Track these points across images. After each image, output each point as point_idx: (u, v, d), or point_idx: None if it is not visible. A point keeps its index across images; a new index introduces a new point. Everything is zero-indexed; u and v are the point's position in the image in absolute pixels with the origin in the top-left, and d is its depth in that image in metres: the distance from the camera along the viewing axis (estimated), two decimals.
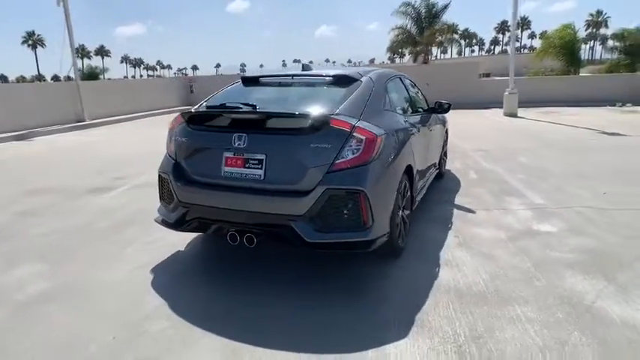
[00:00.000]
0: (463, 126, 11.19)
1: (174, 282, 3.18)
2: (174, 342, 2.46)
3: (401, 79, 4.52)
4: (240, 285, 3.11)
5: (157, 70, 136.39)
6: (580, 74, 24.61)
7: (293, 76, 3.63)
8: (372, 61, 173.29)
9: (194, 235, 3.91)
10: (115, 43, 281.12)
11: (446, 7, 30.32)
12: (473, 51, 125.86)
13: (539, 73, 25.14)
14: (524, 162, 7.04)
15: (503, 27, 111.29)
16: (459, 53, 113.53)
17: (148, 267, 3.39)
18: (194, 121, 3.23)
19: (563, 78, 20.95)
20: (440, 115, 5.44)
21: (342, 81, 3.43)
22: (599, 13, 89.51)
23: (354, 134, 2.81)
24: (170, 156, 3.33)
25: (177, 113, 3.38)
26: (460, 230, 4.06)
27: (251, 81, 3.81)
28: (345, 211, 2.79)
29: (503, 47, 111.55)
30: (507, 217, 4.44)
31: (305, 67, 3.81)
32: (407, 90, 4.58)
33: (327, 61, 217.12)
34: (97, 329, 2.59)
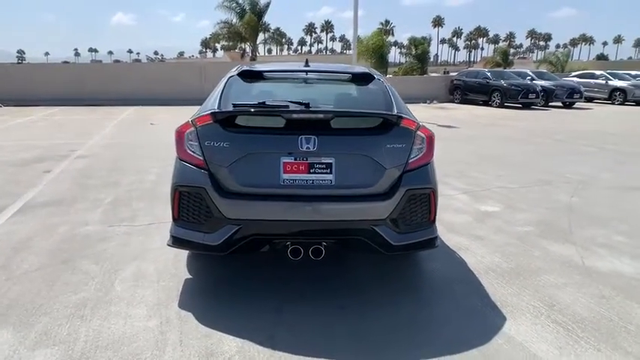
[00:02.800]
0: None
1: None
2: None
3: None
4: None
5: None
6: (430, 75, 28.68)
7: (307, 72, 3.37)
8: (181, 54, 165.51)
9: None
10: None
11: (268, 5, 31.40)
12: (282, 50, 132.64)
13: None
14: None
15: (310, 29, 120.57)
16: (269, 52, 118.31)
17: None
18: (229, 123, 2.72)
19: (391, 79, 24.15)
20: None
21: (365, 78, 3.36)
22: (387, 22, 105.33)
23: (418, 133, 2.84)
24: (195, 165, 2.72)
25: (204, 114, 2.79)
26: None
27: (256, 76, 3.36)
28: (419, 211, 2.82)
29: (310, 47, 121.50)
30: (453, 201, 5.07)
31: (307, 63, 3.57)
32: None
33: (131, 51, 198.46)
34: None
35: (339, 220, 2.70)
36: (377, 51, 28.93)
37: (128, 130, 10.72)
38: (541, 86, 18.15)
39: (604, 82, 20.93)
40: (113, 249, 3.60)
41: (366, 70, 3.49)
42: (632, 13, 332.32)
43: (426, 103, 19.99)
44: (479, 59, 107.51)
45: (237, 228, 2.65)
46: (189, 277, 3.13)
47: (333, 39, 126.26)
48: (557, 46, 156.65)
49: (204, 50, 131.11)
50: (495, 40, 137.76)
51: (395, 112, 2.91)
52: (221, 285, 3.06)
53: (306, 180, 2.67)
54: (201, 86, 19.22)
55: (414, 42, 34.54)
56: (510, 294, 2.94)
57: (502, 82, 18.13)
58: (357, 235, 2.73)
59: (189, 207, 2.74)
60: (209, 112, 2.77)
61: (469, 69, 27.15)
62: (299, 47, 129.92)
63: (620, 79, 20.65)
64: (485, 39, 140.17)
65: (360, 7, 15.21)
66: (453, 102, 20.11)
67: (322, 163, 2.67)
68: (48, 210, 4.56)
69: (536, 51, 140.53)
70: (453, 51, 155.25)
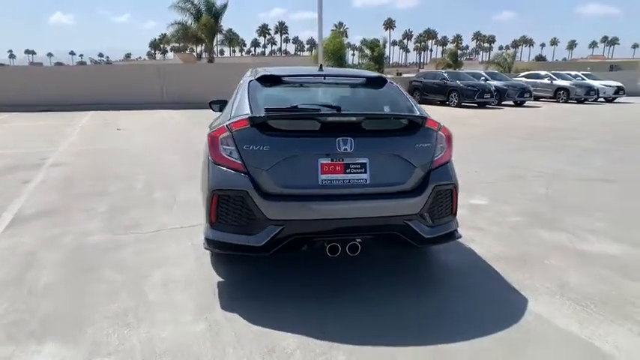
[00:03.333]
0: None
1: None
2: None
3: None
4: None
5: None
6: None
7: (325, 76, 3.49)
8: (128, 56, 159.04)
9: None
10: None
11: (225, 7, 30.98)
12: (234, 51, 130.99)
13: None
14: None
15: (263, 30, 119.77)
16: (221, 53, 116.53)
17: None
18: (266, 127, 2.79)
19: None
20: None
21: (380, 82, 3.55)
22: (341, 24, 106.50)
23: (440, 133, 3.05)
24: (234, 169, 2.77)
25: (240, 118, 2.85)
26: None
27: (275, 81, 3.42)
28: (444, 206, 3.03)
29: (263, 49, 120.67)
30: None
31: (321, 68, 3.72)
32: None
33: (73, 53, 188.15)
34: None
35: (375, 217, 2.85)
36: (336, 53, 29.42)
37: (95, 137, 10.31)
38: (494, 86, 19.20)
39: (549, 81, 22.47)
40: (131, 257, 3.55)
41: (379, 75, 3.67)
42: (565, 16, 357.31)
43: None
44: (429, 61, 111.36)
45: (280, 229, 2.73)
46: (221, 279, 3.17)
47: (286, 40, 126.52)
48: (500, 48, 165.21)
49: (153, 52, 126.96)
50: (444, 42, 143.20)
51: (417, 113, 3.11)
52: (253, 284, 3.12)
53: (343, 180, 2.80)
54: (162, 89, 18.73)
55: (370, 44, 35.40)
56: (524, 278, 3.22)
57: (459, 82, 19.00)
58: (392, 230, 2.90)
59: (229, 210, 2.79)
60: (245, 116, 2.83)
61: (428, 70, 28.19)
62: (252, 49, 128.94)
63: (562, 79, 22.28)
64: (433, 41, 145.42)
65: (311, 9, 15.55)
66: None
67: (357, 163, 2.82)
68: (43, 221, 4.38)
69: (481, 52, 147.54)
70: (404, 53, 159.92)
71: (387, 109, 3.27)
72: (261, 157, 2.74)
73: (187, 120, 13.57)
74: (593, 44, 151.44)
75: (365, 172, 2.83)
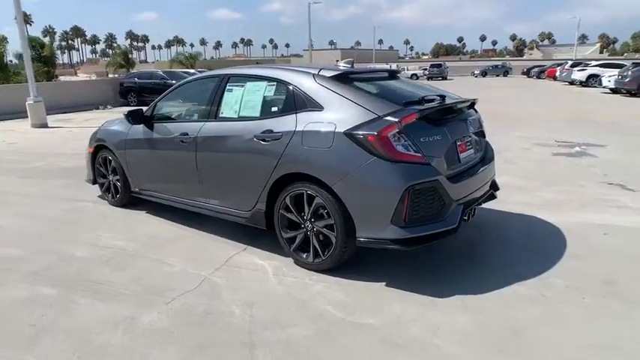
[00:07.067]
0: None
1: None
2: None
3: None
4: None
5: None
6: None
7: (377, 71, 3.82)
8: None
9: None
10: None
11: None
12: None
13: None
14: None
15: None
16: None
17: None
18: (427, 119, 2.90)
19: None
20: None
21: (396, 74, 3.83)
22: None
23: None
24: (416, 162, 2.73)
25: (409, 113, 2.78)
26: None
27: (354, 77, 3.29)
28: None
29: None
30: None
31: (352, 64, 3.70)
32: None
33: None
34: None
35: (488, 182, 3.39)
36: None
37: None
38: None
39: None
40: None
41: (394, 69, 3.84)
42: (200, 19, 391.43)
43: (99, 109, 17.98)
44: (85, 61, 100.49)
45: (462, 206, 2.92)
46: None
47: None
48: (153, 48, 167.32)
49: None
50: (94, 41, 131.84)
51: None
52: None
53: (469, 156, 3.19)
54: None
55: (33, 42, 29.00)
56: None
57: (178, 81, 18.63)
58: (493, 187, 3.49)
59: (421, 203, 2.73)
60: (415, 110, 2.82)
61: (141, 71, 25.59)
62: None
63: None
64: (81, 39, 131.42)
65: None
66: (130, 105, 18.98)
67: (470, 141, 3.26)
68: None
69: (135, 52, 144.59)
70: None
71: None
72: (435, 146, 2.84)
73: None
74: (235, 45, 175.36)
75: (472, 147, 3.27)
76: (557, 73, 28.88)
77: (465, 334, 2.29)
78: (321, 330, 2.35)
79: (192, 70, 22.47)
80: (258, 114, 3.25)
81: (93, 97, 18.52)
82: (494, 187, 3.51)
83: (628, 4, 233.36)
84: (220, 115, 3.47)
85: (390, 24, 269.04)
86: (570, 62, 28.93)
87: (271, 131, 3.06)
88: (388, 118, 2.73)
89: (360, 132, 2.72)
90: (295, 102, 3.06)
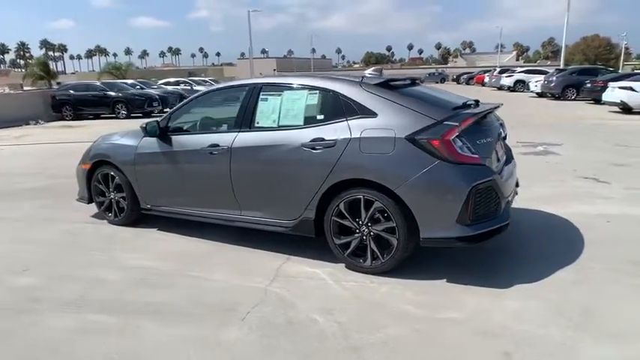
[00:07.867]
0: None
1: None
2: None
3: None
4: None
5: None
6: None
7: (405, 79, 3.64)
8: None
9: None
10: None
11: None
12: None
13: None
14: None
15: None
16: None
17: None
18: (477, 121, 3.10)
19: None
20: None
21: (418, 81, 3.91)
22: None
23: None
24: (475, 163, 2.90)
25: (465, 117, 2.97)
26: None
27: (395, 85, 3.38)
28: None
29: None
30: None
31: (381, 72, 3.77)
32: None
33: None
34: None
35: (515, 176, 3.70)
36: None
37: None
38: (157, 95, 19.04)
39: (189, 87, 24.29)
40: None
41: (415, 77, 4.00)
42: (120, 26, 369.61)
43: (29, 124, 16.52)
44: None
45: (506, 202, 3.13)
46: None
47: None
48: (72, 57, 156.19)
49: None
50: (3, 50, 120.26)
51: None
52: None
53: (502, 155, 3.46)
54: None
55: None
56: None
57: (121, 93, 17.68)
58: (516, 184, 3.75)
59: (482, 201, 2.90)
60: (470, 114, 3.05)
61: (75, 82, 23.53)
62: None
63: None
64: None
65: None
66: (65, 119, 17.63)
67: (500, 144, 3.47)
68: None
69: (52, 62, 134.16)
70: None
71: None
72: (486, 147, 3.06)
73: None
74: (162, 54, 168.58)
75: (503, 146, 3.62)
76: (487, 79, 31.28)
77: (545, 317, 2.48)
78: (414, 328, 2.42)
79: (130, 81, 21.37)
80: (301, 122, 3.25)
81: (20, 111, 16.88)
82: (517, 184, 3.78)
83: (533, 16, 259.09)
84: (256, 125, 3.42)
85: (321, 33, 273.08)
86: (498, 69, 31.51)
87: (322, 139, 3.08)
88: (448, 122, 2.86)
89: (423, 136, 2.83)
90: (345, 109, 3.11)
